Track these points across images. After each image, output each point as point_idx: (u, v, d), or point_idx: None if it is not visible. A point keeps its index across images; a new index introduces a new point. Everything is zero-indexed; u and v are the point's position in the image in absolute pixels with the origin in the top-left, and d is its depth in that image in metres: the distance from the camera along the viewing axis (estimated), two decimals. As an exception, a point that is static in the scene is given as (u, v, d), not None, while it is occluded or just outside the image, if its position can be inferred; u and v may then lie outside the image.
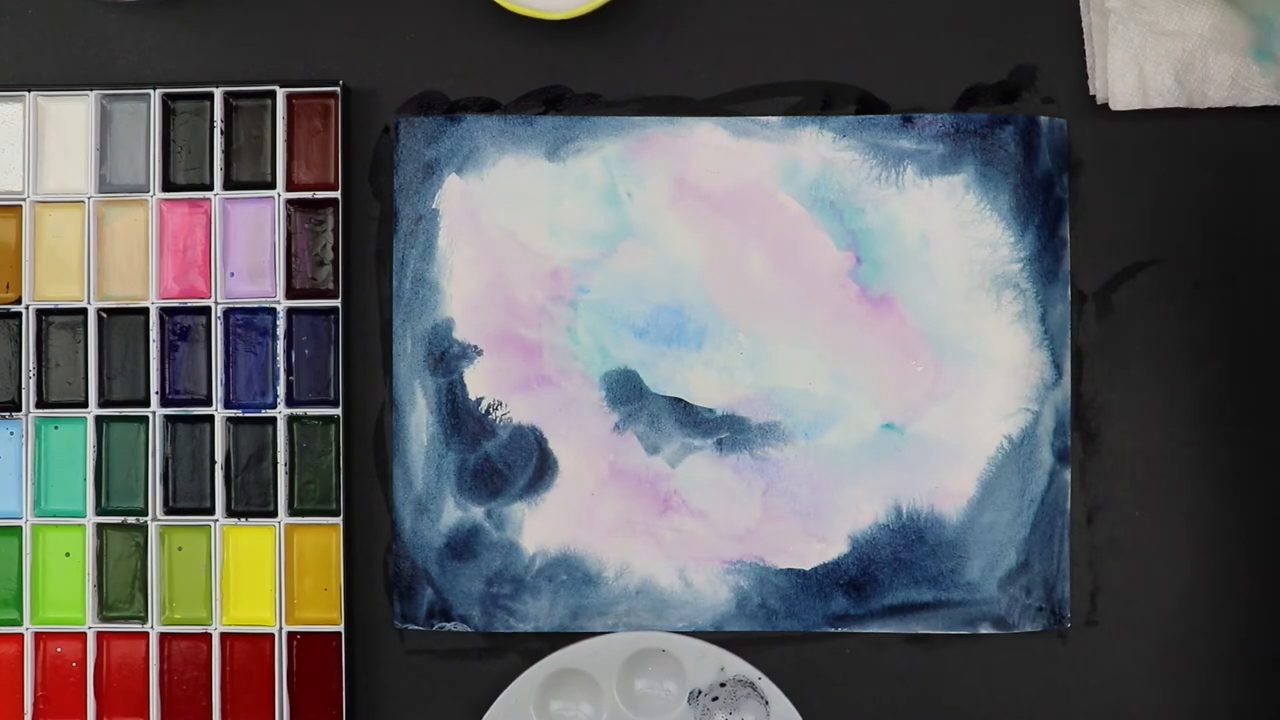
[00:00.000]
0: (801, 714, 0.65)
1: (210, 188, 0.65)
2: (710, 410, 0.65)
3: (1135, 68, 0.64)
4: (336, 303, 0.65)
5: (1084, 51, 0.66)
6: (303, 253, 0.65)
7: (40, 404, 0.65)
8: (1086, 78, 0.66)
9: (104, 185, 0.65)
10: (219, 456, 0.65)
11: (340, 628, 0.64)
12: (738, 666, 0.64)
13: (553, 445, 0.65)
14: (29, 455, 0.65)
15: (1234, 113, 0.65)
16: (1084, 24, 0.66)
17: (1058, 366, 0.65)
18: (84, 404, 0.65)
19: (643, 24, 0.67)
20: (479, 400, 0.65)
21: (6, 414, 0.65)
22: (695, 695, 0.64)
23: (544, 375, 0.65)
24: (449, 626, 0.65)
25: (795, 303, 0.65)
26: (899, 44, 0.66)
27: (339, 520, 0.64)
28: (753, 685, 0.64)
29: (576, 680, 0.65)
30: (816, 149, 0.65)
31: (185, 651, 0.65)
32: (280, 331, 0.65)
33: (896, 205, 0.65)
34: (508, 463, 0.65)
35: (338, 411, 0.64)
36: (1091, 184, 0.66)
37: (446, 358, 0.65)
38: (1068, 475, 0.65)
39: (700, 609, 0.65)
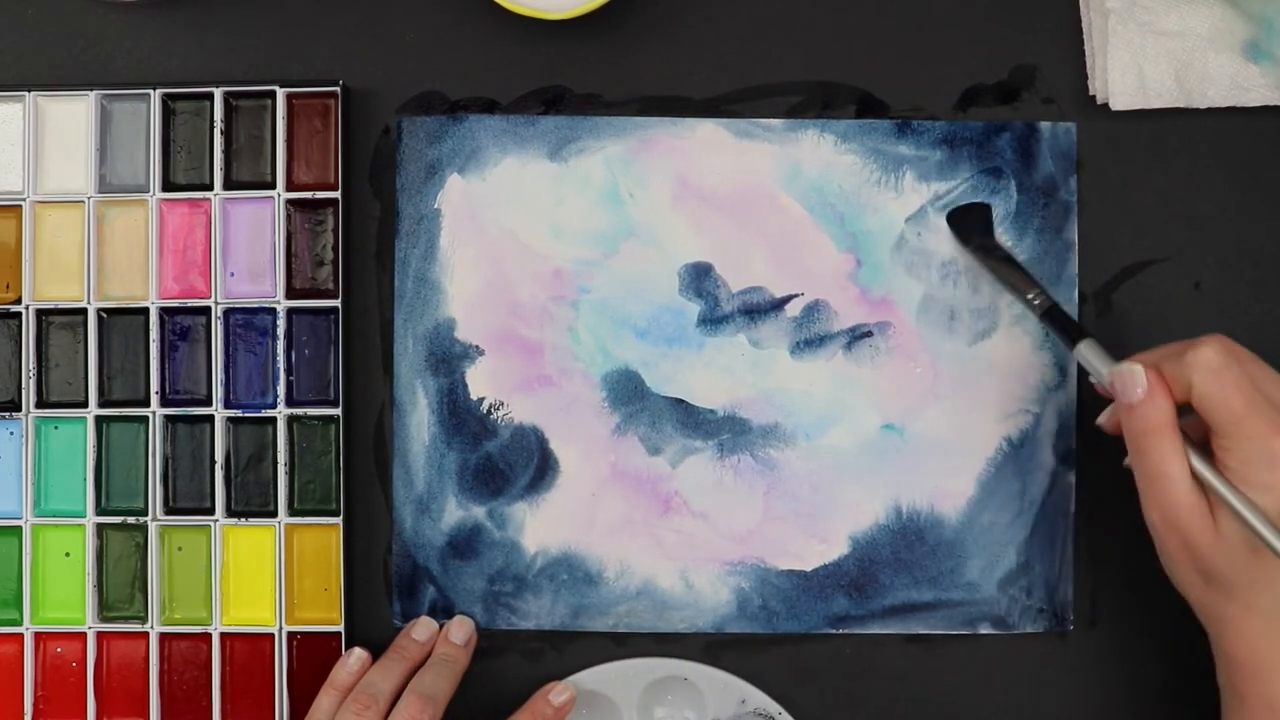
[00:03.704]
0: (802, 714, 0.65)
1: (210, 188, 0.65)
2: (711, 411, 0.65)
3: (1135, 68, 0.64)
4: (336, 303, 0.65)
5: (1084, 51, 0.66)
6: (303, 253, 0.65)
7: (40, 404, 0.65)
8: (1086, 78, 0.66)
9: (104, 185, 0.65)
10: (219, 456, 0.65)
11: (340, 628, 0.64)
12: (759, 700, 0.64)
13: (554, 445, 0.65)
14: (29, 455, 0.65)
15: (1234, 113, 0.65)
16: (1084, 24, 0.66)
17: (1061, 369, 0.65)
18: (84, 404, 0.65)
19: (643, 24, 0.67)
20: (480, 400, 0.65)
21: (6, 414, 0.65)
22: None
23: (545, 375, 0.65)
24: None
25: (796, 304, 0.65)
26: (899, 44, 0.66)
27: (339, 520, 0.64)
28: (772, 718, 0.64)
29: (596, 702, 0.65)
30: (818, 152, 0.65)
31: (185, 651, 0.65)
32: (280, 331, 0.65)
33: (895, 209, 0.65)
34: (509, 463, 0.65)
35: (338, 411, 0.64)
36: (1091, 184, 0.66)
37: (448, 357, 0.65)
38: (1071, 478, 0.65)
39: (701, 610, 0.65)
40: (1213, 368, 0.53)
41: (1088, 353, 0.59)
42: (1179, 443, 0.54)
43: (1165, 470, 0.54)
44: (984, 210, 0.65)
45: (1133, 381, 0.55)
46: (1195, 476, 0.54)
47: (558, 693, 0.63)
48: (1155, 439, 0.55)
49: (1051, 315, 0.61)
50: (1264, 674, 0.55)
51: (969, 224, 0.65)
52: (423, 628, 0.64)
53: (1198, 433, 0.56)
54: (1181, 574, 0.56)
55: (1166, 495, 0.54)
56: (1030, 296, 0.62)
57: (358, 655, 0.62)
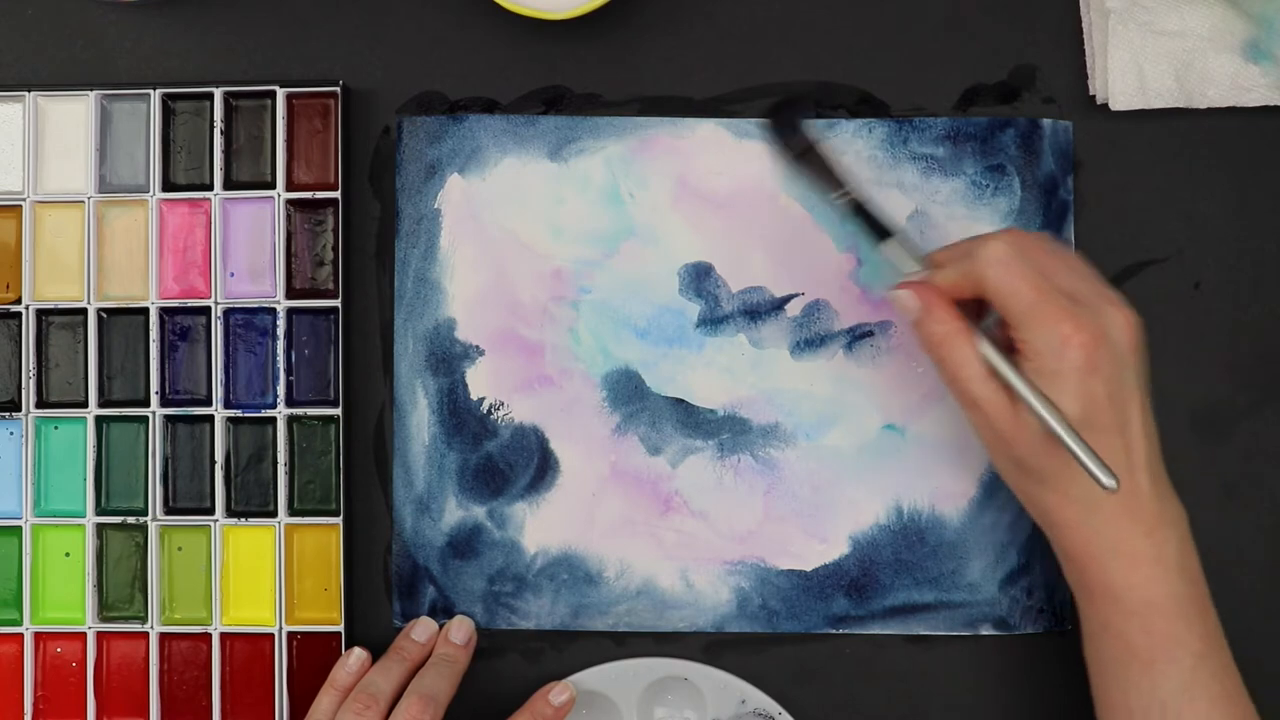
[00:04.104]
0: (802, 714, 0.65)
1: (210, 188, 0.65)
2: (712, 411, 0.65)
3: (1135, 68, 0.64)
4: (336, 303, 0.65)
5: (1084, 51, 0.66)
6: (303, 253, 0.65)
7: (40, 404, 0.65)
8: (1086, 78, 0.66)
9: (104, 185, 0.65)
10: (219, 456, 0.65)
11: (340, 628, 0.64)
12: (759, 700, 0.64)
13: (554, 445, 0.65)
14: (29, 455, 0.65)
15: (1234, 113, 0.65)
16: (1084, 24, 0.66)
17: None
18: (84, 404, 0.65)
19: (643, 24, 0.67)
20: (480, 400, 0.65)
21: (6, 414, 0.65)
22: None
23: (545, 375, 0.65)
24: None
25: (796, 304, 0.65)
26: (899, 44, 0.66)
27: (339, 520, 0.64)
28: (772, 719, 0.64)
29: (596, 702, 0.65)
30: (818, 151, 0.65)
31: (185, 651, 0.65)
32: (280, 331, 0.65)
33: (896, 208, 0.65)
34: (509, 463, 0.65)
35: (338, 411, 0.64)
36: (1091, 184, 0.66)
37: (448, 357, 0.65)
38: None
39: (701, 610, 0.65)
40: (1002, 260, 0.54)
41: (890, 252, 0.58)
42: (968, 344, 0.55)
43: (959, 373, 0.55)
44: (796, 107, 0.64)
45: (906, 306, 0.57)
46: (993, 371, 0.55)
47: (557, 693, 0.63)
48: (945, 348, 0.56)
49: (859, 212, 0.59)
50: (1097, 561, 0.56)
51: (782, 127, 0.61)
52: (423, 628, 0.64)
53: (1002, 328, 0.57)
54: (1002, 466, 0.58)
55: (966, 394, 0.55)
56: (834, 196, 0.59)
57: (357, 655, 0.62)
